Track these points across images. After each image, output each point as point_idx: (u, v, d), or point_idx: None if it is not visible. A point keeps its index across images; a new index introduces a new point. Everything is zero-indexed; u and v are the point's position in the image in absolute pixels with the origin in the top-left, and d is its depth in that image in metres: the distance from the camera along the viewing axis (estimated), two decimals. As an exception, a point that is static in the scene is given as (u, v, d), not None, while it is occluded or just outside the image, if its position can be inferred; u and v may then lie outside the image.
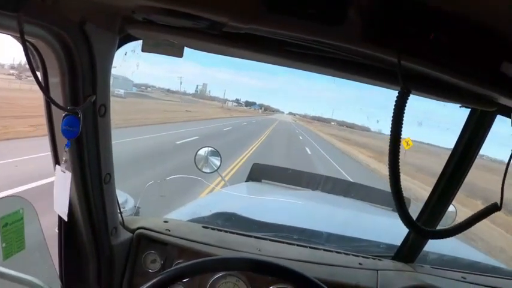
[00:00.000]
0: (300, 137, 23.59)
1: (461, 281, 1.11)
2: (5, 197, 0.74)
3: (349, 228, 1.48)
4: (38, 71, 0.67)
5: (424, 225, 1.04)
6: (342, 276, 1.02)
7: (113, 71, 0.77)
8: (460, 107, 0.88)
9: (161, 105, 27.21)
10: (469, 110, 0.94)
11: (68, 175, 0.72)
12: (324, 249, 1.16)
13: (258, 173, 2.47)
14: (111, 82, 0.77)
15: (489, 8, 0.51)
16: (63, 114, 0.68)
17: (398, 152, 0.57)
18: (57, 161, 0.78)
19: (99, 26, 0.66)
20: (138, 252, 1.03)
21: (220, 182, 2.61)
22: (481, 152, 1.03)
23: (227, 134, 15.39)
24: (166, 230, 1.07)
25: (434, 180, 1.08)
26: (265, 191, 2.21)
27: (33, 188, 4.29)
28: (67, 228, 0.85)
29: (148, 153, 7.12)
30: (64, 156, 0.71)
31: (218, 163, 1.97)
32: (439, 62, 0.61)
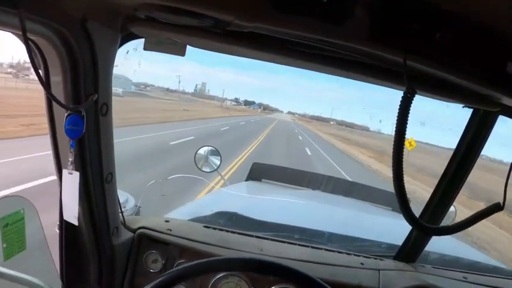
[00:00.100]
0: (300, 137, 23.45)
1: (463, 281, 1.11)
2: (6, 197, 0.73)
3: (350, 227, 1.48)
4: (40, 69, 0.66)
5: None
6: (344, 276, 1.02)
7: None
8: (463, 107, 0.89)
9: (159, 104, 27.10)
10: (470, 110, 0.94)
11: (76, 175, 0.72)
12: (326, 249, 1.16)
13: (258, 173, 2.46)
14: (110, 81, 0.76)
15: (493, 8, 0.51)
16: (66, 114, 0.67)
17: (402, 151, 0.58)
18: (59, 164, 0.78)
19: (101, 23, 0.66)
20: (139, 252, 1.02)
21: (219, 181, 2.61)
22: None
23: (224, 133, 15.10)
24: (167, 229, 1.06)
25: (435, 181, 1.08)
26: (266, 191, 2.21)
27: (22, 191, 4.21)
28: (68, 228, 0.84)
29: (136, 156, 6.49)
30: (70, 157, 0.70)
31: (218, 162, 1.97)
32: (444, 62, 0.61)
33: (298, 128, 35.49)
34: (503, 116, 0.91)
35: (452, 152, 1.03)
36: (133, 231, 1.03)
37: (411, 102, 0.57)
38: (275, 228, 1.29)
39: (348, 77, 0.78)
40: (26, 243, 0.76)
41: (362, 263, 1.10)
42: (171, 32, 0.67)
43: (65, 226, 0.84)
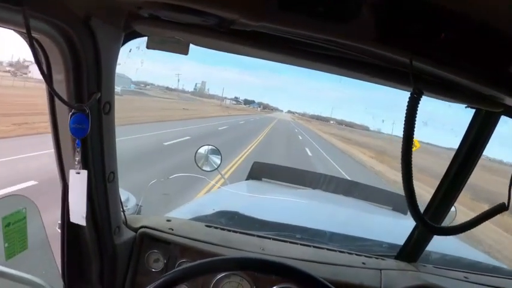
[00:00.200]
0: (300, 137, 23.26)
1: (464, 281, 1.11)
2: (8, 196, 0.73)
3: (351, 227, 1.48)
4: (42, 67, 0.66)
5: None
6: (345, 276, 1.02)
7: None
8: (466, 107, 0.88)
9: (158, 103, 26.97)
10: (472, 110, 0.94)
11: (84, 174, 0.71)
12: (327, 249, 1.16)
13: (259, 172, 2.47)
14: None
15: (497, 9, 0.51)
16: (71, 112, 0.67)
17: (411, 150, 0.58)
18: (61, 163, 0.77)
19: (105, 21, 0.65)
20: (141, 251, 1.02)
21: (219, 180, 2.61)
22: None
23: (222, 133, 14.68)
24: (169, 229, 1.06)
25: (437, 182, 1.08)
26: (266, 190, 2.21)
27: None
28: (70, 228, 0.84)
29: (126, 158, 5.71)
30: (77, 157, 0.70)
31: (218, 161, 1.97)
32: (448, 62, 0.61)
33: (298, 128, 35.36)
34: (504, 116, 0.91)
35: (452, 152, 1.03)
36: (135, 230, 1.03)
37: (418, 103, 0.57)
38: (276, 228, 1.29)
39: (352, 77, 0.77)
40: (28, 243, 0.76)
41: (364, 263, 1.10)
42: (175, 30, 0.67)
43: (66, 225, 0.83)
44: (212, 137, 11.68)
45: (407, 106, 0.57)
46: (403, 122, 0.57)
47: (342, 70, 0.74)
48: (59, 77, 0.66)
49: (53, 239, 0.84)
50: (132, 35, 0.74)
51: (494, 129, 0.95)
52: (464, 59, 0.61)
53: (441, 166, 1.06)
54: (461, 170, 1.01)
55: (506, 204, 0.64)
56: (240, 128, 19.91)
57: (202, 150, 1.97)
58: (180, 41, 0.74)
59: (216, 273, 0.96)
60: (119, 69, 0.77)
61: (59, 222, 0.85)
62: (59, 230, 0.86)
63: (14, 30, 0.56)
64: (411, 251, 1.17)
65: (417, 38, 0.57)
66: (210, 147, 1.99)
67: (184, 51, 0.76)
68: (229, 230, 1.15)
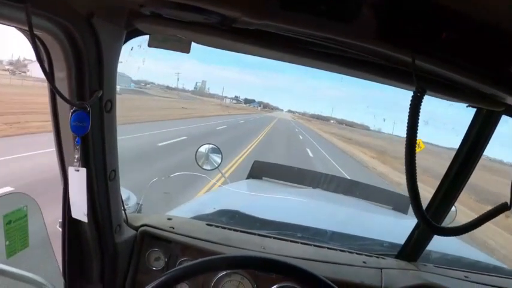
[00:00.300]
0: (300, 136, 23.14)
1: (465, 280, 1.11)
2: (9, 193, 0.73)
3: (351, 226, 1.48)
4: (44, 65, 0.66)
5: None
6: (346, 275, 1.02)
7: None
8: (467, 106, 0.88)
9: (157, 102, 26.84)
10: (473, 110, 0.94)
11: (83, 172, 0.71)
12: (328, 248, 1.16)
13: (259, 171, 2.47)
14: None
15: (497, 8, 0.51)
16: (72, 110, 0.66)
17: (415, 149, 0.58)
18: (62, 161, 0.77)
19: (107, 19, 0.65)
20: (141, 249, 1.02)
21: (219, 179, 2.61)
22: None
23: (220, 133, 14.30)
24: (170, 227, 1.06)
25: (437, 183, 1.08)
26: (267, 189, 2.21)
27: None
28: (71, 226, 0.84)
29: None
30: (76, 154, 0.70)
31: (219, 160, 1.97)
32: (450, 61, 0.61)
33: (299, 127, 35.26)
34: (504, 116, 0.91)
35: (453, 152, 1.03)
36: (136, 228, 1.03)
37: (421, 101, 0.57)
38: (277, 227, 1.29)
39: (354, 76, 0.77)
40: (29, 241, 0.75)
41: (364, 262, 1.10)
42: (177, 28, 0.67)
43: (67, 223, 0.83)
44: (210, 137, 11.32)
45: (411, 105, 0.57)
46: (406, 121, 0.57)
47: (344, 69, 0.74)
48: (60, 74, 0.66)
49: (53, 237, 0.84)
50: (133, 33, 0.74)
51: (495, 128, 0.95)
52: (465, 58, 0.61)
53: (445, 167, 1.05)
54: (462, 169, 1.01)
55: (509, 203, 0.64)
56: (239, 128, 19.67)
57: (203, 149, 1.97)
58: (182, 39, 0.74)
59: (217, 271, 0.96)
60: (119, 67, 0.77)
61: (60, 220, 0.85)
62: (60, 229, 0.86)
63: (16, 27, 0.56)
64: (412, 250, 1.17)
65: (418, 37, 0.57)
66: (211, 146, 1.99)
67: (186, 49, 0.76)
68: (230, 229, 1.15)
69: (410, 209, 0.66)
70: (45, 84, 0.69)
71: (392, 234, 1.39)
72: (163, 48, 0.75)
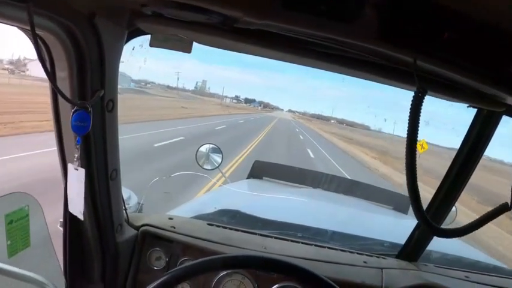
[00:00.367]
0: (301, 137, 22.99)
1: (465, 280, 1.12)
2: (10, 193, 0.73)
3: (352, 226, 1.48)
4: (46, 64, 0.66)
5: None
6: (347, 275, 1.02)
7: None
8: (468, 107, 0.88)
9: (157, 102, 26.72)
10: (474, 110, 0.94)
11: (82, 172, 0.71)
12: (329, 247, 1.16)
13: (260, 171, 2.47)
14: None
15: (498, 8, 0.51)
16: (73, 110, 0.67)
17: (415, 150, 0.58)
18: (63, 159, 0.77)
19: (108, 19, 0.65)
20: (142, 249, 1.02)
21: (219, 179, 2.61)
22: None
23: (220, 133, 14.06)
24: (171, 227, 1.06)
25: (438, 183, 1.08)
26: (267, 189, 2.21)
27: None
28: (72, 225, 0.84)
29: None
30: (76, 153, 0.70)
31: (219, 160, 1.97)
32: (451, 61, 0.61)
33: (299, 127, 35.11)
34: (505, 116, 0.91)
35: (454, 152, 1.03)
36: (137, 228, 1.03)
37: (422, 102, 0.57)
38: (278, 226, 1.29)
39: (355, 76, 0.77)
40: (30, 240, 0.76)
41: (365, 262, 1.10)
42: (178, 28, 0.67)
43: (69, 223, 0.83)
44: (209, 137, 10.97)
45: (412, 105, 0.57)
46: (407, 121, 0.57)
47: (345, 69, 0.74)
48: (62, 74, 0.67)
49: (54, 236, 0.84)
50: (135, 33, 0.74)
51: (495, 129, 0.95)
52: (466, 59, 0.61)
53: (445, 167, 1.05)
54: (463, 169, 1.01)
55: (509, 204, 0.64)
56: (238, 128, 19.49)
57: (204, 148, 1.97)
58: (183, 39, 0.74)
59: (218, 271, 0.96)
60: (120, 67, 0.77)
61: (61, 220, 0.85)
62: (61, 228, 0.86)
63: (18, 27, 0.56)
64: (412, 250, 1.17)
65: (420, 38, 0.57)
66: (211, 145, 1.99)
67: (187, 49, 0.76)
68: (230, 229, 1.15)
69: (411, 209, 0.66)
70: (44, 83, 0.69)
71: (393, 234, 1.39)
72: (164, 48, 0.75)
